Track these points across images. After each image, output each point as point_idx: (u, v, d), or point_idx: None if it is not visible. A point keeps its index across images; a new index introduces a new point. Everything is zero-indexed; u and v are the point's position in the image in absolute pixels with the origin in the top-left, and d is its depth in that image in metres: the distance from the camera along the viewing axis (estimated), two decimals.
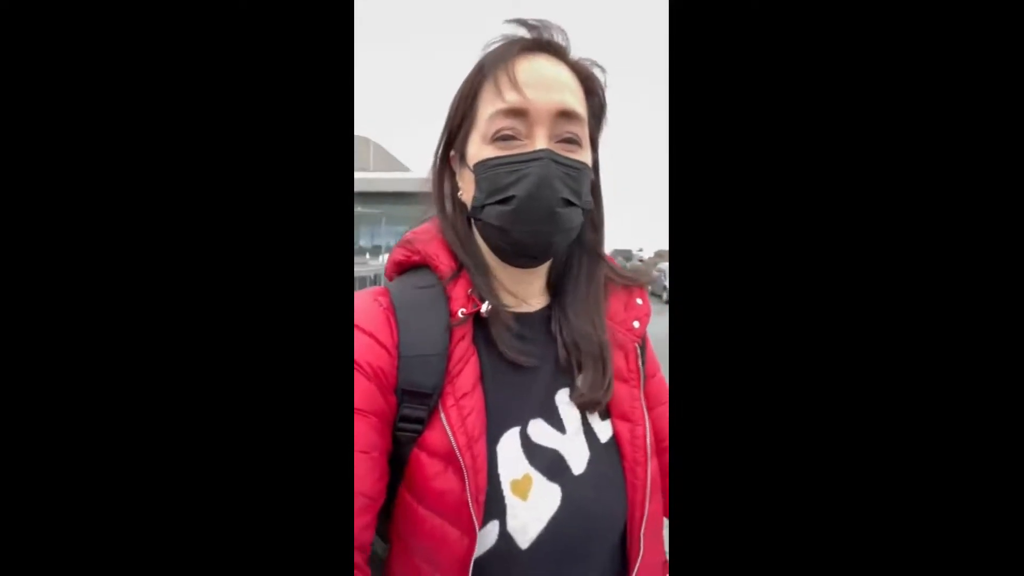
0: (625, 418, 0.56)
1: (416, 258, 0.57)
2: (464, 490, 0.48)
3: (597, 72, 0.57)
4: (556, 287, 0.61)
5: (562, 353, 0.57)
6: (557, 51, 0.54)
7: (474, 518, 0.47)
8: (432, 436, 0.50)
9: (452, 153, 0.58)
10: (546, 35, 0.54)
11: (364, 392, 0.48)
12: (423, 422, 0.50)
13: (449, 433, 0.49)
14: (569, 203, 0.51)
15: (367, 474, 0.47)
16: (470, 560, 0.48)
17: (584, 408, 0.56)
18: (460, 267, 0.56)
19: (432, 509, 0.49)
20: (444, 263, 0.55)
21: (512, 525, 0.49)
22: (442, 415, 0.49)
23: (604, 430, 0.56)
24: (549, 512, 0.50)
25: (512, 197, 0.50)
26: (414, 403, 0.50)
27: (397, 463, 0.51)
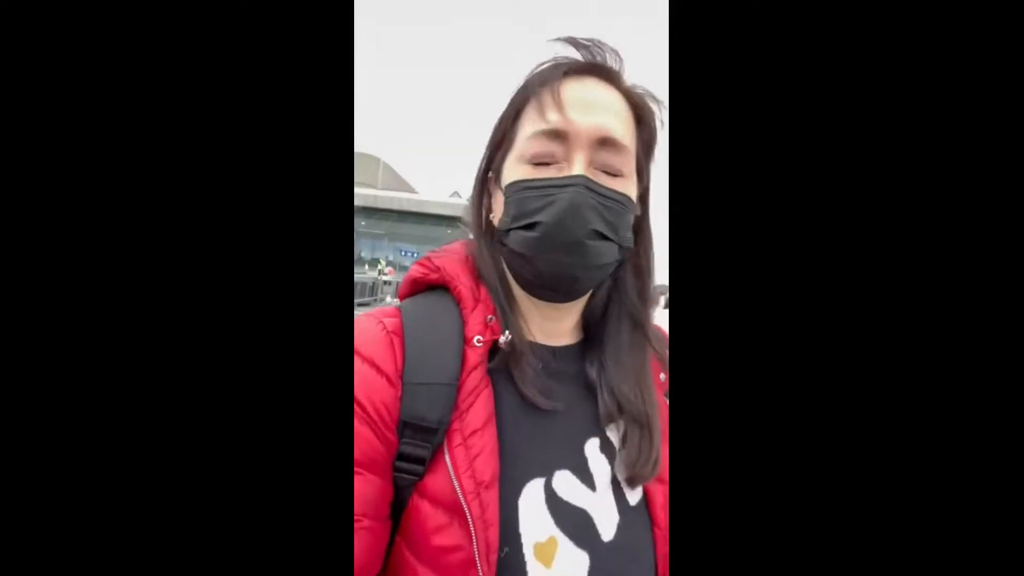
0: (660, 479, 0.50)
1: (434, 276, 0.52)
2: (472, 549, 0.41)
3: (652, 104, 0.52)
4: (590, 330, 0.55)
5: (603, 406, 0.51)
6: (608, 75, 0.50)
7: None
8: (434, 480, 0.44)
9: (490, 174, 0.54)
10: (598, 57, 0.51)
11: (359, 440, 0.42)
12: (424, 462, 0.44)
13: (453, 477, 0.42)
14: (602, 236, 0.46)
15: (358, 545, 0.41)
16: None
17: (630, 483, 0.50)
18: (481, 291, 0.51)
19: (433, 569, 0.43)
20: (464, 284, 0.50)
21: None
22: (446, 455, 0.43)
23: (634, 491, 0.50)
24: None
25: (538, 223, 0.46)
26: (416, 439, 0.44)
27: (394, 509, 0.45)
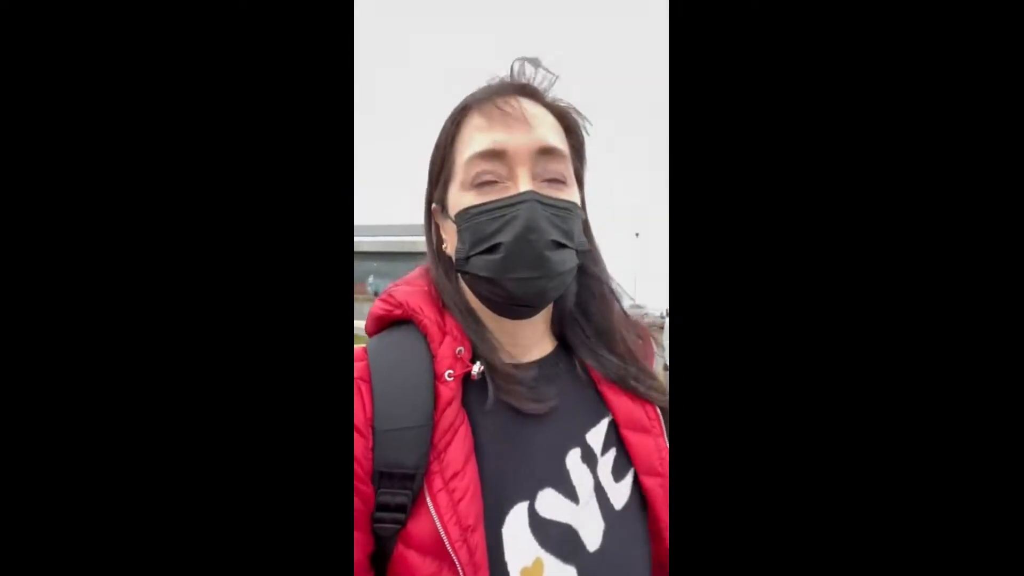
0: (654, 472, 0.51)
1: (398, 312, 0.51)
2: None
3: (574, 115, 0.55)
4: (563, 331, 0.57)
5: (581, 374, 0.53)
6: (532, 93, 0.52)
7: None
8: (418, 527, 0.42)
9: (434, 205, 0.54)
10: (523, 79, 0.52)
11: None
12: (406, 509, 0.42)
13: (438, 524, 0.41)
14: (560, 245, 0.47)
15: None
16: None
17: (619, 382, 0.52)
18: (447, 322, 0.51)
19: None
20: (429, 317, 0.49)
21: None
22: (428, 501, 0.42)
23: (619, 493, 0.50)
24: None
25: (499, 245, 0.46)
26: (394, 487, 0.42)
27: (378, 561, 0.44)
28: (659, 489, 0.50)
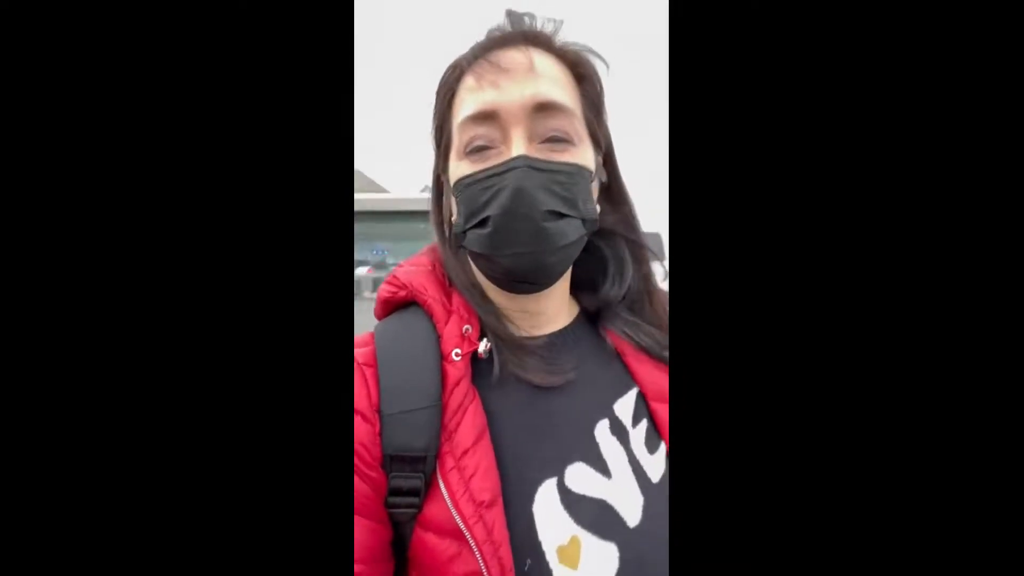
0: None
1: (403, 294, 0.49)
2: (485, 574, 0.38)
3: (591, 58, 0.48)
4: (583, 300, 0.53)
5: (606, 344, 0.49)
6: (534, 39, 0.45)
7: None
8: (433, 510, 0.41)
9: (442, 177, 0.50)
10: (527, 25, 0.46)
11: None
12: (420, 493, 0.41)
13: (449, 503, 0.40)
14: (559, 214, 0.43)
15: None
16: None
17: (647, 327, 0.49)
18: (454, 301, 0.48)
19: None
20: (433, 296, 0.47)
21: None
22: (440, 481, 0.41)
23: (655, 465, 0.46)
24: None
25: (488, 219, 0.43)
26: (405, 471, 0.41)
27: (399, 547, 0.43)
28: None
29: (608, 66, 0.48)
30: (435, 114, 0.49)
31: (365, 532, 0.40)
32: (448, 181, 0.48)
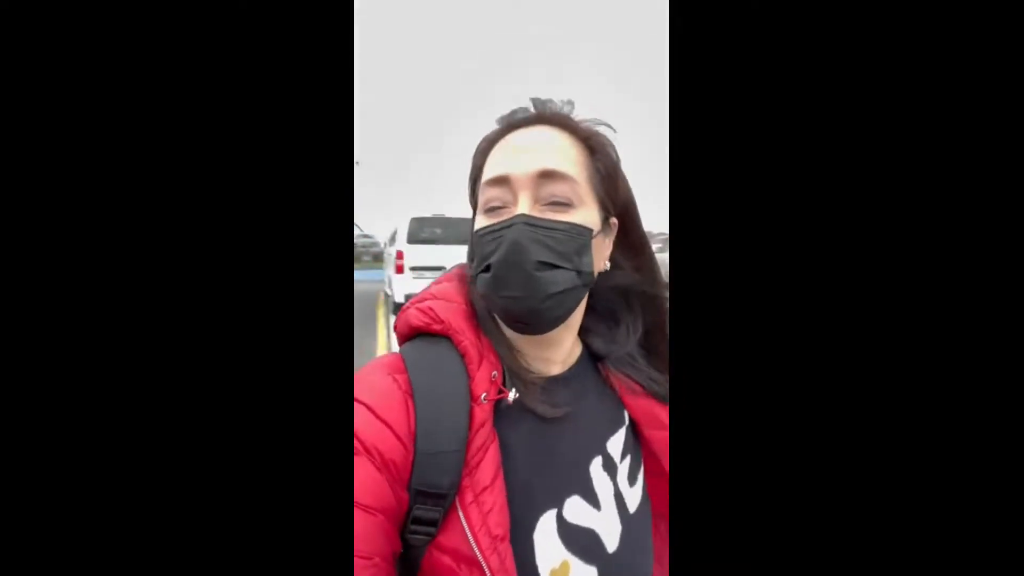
0: (662, 474, 0.55)
1: (437, 327, 0.53)
2: None
3: (604, 129, 0.55)
4: (588, 340, 0.59)
5: (633, 398, 0.56)
6: (553, 120, 0.53)
7: None
8: (449, 538, 0.45)
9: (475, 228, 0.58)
10: (542, 110, 0.54)
11: (373, 485, 0.43)
12: (437, 524, 0.46)
13: (470, 536, 0.44)
14: (551, 265, 0.49)
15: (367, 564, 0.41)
16: None
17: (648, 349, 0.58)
18: (484, 344, 0.53)
19: None
20: (469, 339, 0.52)
21: None
22: (460, 515, 0.45)
23: (633, 497, 0.54)
24: None
25: (490, 265, 0.50)
26: (428, 504, 0.45)
27: (408, 564, 0.47)
28: (661, 490, 0.56)
29: (615, 130, 0.56)
30: (471, 177, 0.57)
31: (383, 533, 0.43)
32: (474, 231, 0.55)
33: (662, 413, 0.56)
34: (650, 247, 0.60)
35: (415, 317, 0.54)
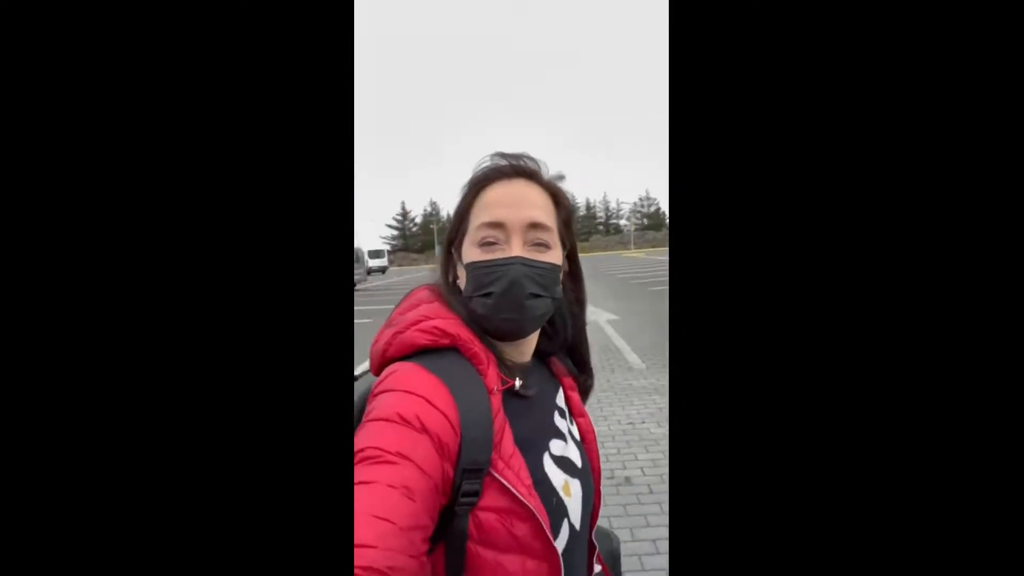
0: (581, 414, 0.80)
1: (445, 341, 0.65)
2: (540, 527, 0.59)
3: (562, 187, 0.72)
4: (540, 344, 0.78)
5: (559, 370, 0.81)
6: (530, 175, 0.69)
7: (553, 543, 0.60)
8: (488, 500, 0.59)
9: (452, 250, 0.74)
10: (521, 164, 0.70)
11: (431, 459, 0.54)
12: (479, 493, 0.59)
13: (512, 488, 0.59)
14: (537, 295, 0.66)
15: (421, 510, 0.51)
16: (559, 562, 0.61)
17: (585, 394, 0.83)
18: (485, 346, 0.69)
19: (517, 551, 0.59)
20: (478, 347, 0.66)
21: (572, 518, 0.66)
22: (499, 477, 0.59)
23: (575, 430, 0.76)
24: (579, 498, 0.68)
25: (491, 293, 0.65)
26: (472, 479, 0.58)
27: (455, 530, 0.58)
28: (586, 424, 0.78)
29: (565, 177, 0.74)
30: (460, 205, 0.71)
31: (432, 507, 0.54)
32: (460, 255, 0.70)
33: (573, 382, 0.82)
34: (582, 277, 0.81)
35: (420, 337, 0.66)
